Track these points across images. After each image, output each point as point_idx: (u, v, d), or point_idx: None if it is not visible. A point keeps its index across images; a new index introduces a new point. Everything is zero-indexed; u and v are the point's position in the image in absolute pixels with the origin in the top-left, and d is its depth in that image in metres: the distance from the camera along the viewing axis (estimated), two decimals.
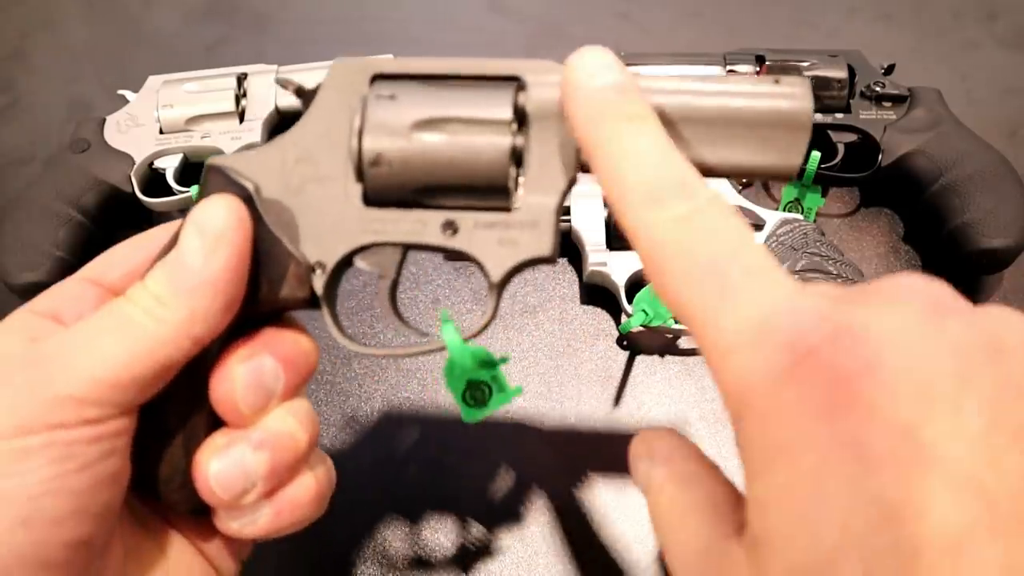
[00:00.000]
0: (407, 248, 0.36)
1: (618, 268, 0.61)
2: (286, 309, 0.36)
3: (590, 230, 0.62)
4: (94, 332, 0.31)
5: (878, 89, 0.68)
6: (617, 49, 0.86)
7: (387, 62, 0.35)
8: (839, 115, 0.68)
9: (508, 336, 0.63)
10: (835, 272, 0.58)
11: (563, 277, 0.66)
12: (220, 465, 0.33)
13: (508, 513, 0.55)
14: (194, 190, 0.65)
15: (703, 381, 0.61)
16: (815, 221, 0.64)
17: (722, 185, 0.63)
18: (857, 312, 0.24)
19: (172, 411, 0.34)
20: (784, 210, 0.66)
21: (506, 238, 0.34)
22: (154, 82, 0.72)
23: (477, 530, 0.55)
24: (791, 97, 0.32)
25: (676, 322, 0.60)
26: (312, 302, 0.36)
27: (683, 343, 0.62)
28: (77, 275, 0.36)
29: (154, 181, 0.69)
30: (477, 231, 0.34)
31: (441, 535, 0.55)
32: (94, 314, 0.31)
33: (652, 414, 0.59)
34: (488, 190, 0.34)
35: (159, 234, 0.37)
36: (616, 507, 0.55)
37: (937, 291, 0.25)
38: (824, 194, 0.66)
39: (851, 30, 0.84)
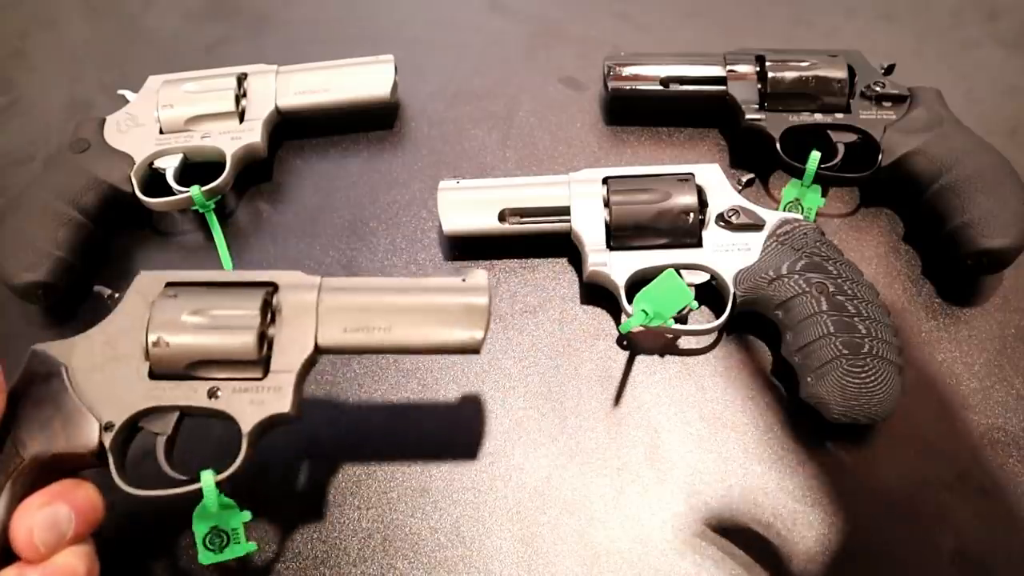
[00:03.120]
0: (181, 412, 0.46)
1: (618, 268, 0.61)
2: (82, 464, 0.45)
3: (590, 230, 0.62)
4: None
5: (878, 89, 0.68)
6: (616, 49, 0.85)
7: (179, 273, 0.48)
8: (839, 115, 0.68)
9: (508, 336, 0.63)
10: (835, 272, 0.58)
11: (563, 277, 0.66)
12: None
13: (508, 513, 0.56)
14: (194, 190, 0.65)
15: (703, 381, 0.61)
16: (815, 221, 0.64)
17: (722, 183, 0.63)
18: None
19: None
20: (784, 210, 0.66)
21: (256, 399, 0.45)
22: (154, 82, 0.72)
23: (477, 531, 0.55)
24: (472, 290, 0.47)
25: (676, 322, 0.60)
26: (101, 456, 0.45)
27: (683, 343, 0.62)
28: None
29: (154, 181, 0.69)
30: (235, 395, 0.46)
31: (441, 535, 0.55)
32: None
33: (652, 414, 0.59)
34: (243, 364, 0.46)
35: None
36: (616, 507, 0.56)
37: None
38: (824, 194, 0.67)
39: (851, 30, 0.84)
